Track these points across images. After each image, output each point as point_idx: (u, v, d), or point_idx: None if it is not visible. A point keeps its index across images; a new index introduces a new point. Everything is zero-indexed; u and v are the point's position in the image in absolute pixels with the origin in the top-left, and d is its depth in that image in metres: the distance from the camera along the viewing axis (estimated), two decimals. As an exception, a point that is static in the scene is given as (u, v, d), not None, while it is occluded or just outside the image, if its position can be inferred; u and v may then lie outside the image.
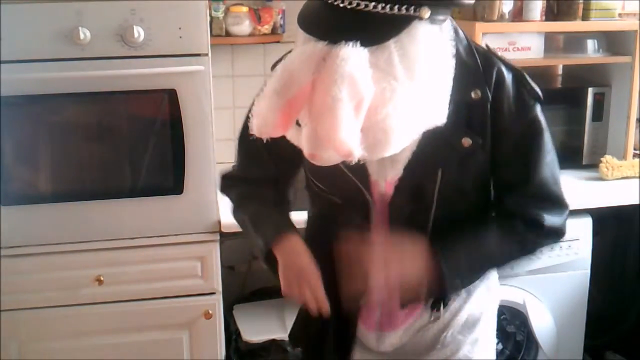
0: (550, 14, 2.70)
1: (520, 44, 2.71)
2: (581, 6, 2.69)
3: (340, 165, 1.36)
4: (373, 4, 1.13)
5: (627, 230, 2.83)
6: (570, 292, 2.61)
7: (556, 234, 1.42)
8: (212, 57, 2.22)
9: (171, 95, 2.18)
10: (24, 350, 2.30)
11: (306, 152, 1.15)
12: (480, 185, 1.40)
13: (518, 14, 2.67)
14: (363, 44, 1.11)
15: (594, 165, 2.76)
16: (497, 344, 2.69)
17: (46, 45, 2.11)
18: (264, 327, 2.56)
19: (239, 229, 2.40)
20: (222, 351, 2.41)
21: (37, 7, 2.09)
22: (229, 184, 1.61)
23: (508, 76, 1.33)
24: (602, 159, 2.72)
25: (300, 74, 1.15)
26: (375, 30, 1.13)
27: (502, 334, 2.69)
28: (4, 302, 2.24)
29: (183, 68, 2.15)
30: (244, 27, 2.64)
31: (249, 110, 1.27)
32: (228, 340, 2.51)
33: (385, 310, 1.49)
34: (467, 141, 1.31)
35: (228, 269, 2.72)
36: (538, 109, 1.35)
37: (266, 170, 1.53)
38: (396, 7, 1.13)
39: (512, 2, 2.63)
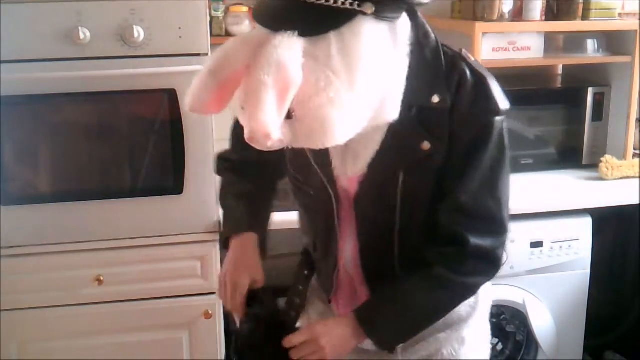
0: (550, 13, 2.70)
1: (520, 43, 2.70)
2: (581, 6, 2.69)
3: (310, 158, 1.42)
4: None
5: (627, 230, 2.83)
6: (570, 292, 2.61)
7: (484, 257, 1.36)
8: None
9: (171, 95, 2.18)
10: (23, 350, 2.30)
11: (245, 135, 1.16)
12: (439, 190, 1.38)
13: (518, 14, 2.67)
14: (301, 34, 1.13)
15: (594, 165, 2.76)
16: (497, 344, 2.69)
17: (46, 45, 2.11)
18: (264, 327, 2.55)
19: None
20: (221, 351, 2.41)
21: (37, 7, 2.09)
22: (221, 166, 1.68)
23: (471, 83, 1.32)
24: (602, 158, 2.72)
25: (236, 57, 1.18)
26: (316, 21, 1.16)
27: (502, 333, 2.69)
28: (4, 302, 2.24)
29: (183, 68, 2.15)
30: (244, 27, 2.64)
31: None
32: (228, 340, 2.51)
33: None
34: (426, 145, 1.32)
35: (228, 269, 2.72)
36: (494, 120, 1.32)
37: (254, 153, 1.54)
38: (339, 0, 1.15)
39: (512, 2, 2.63)
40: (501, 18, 2.63)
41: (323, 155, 1.40)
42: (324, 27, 1.16)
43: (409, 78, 1.28)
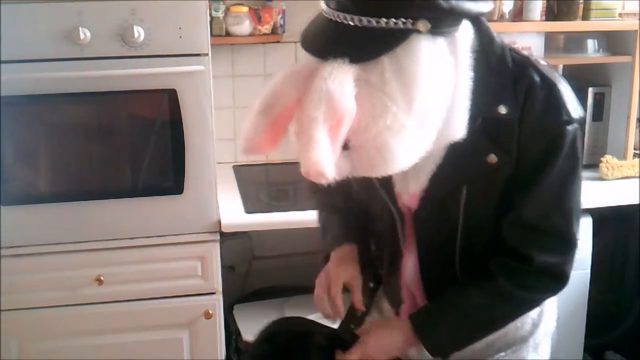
0: (551, 13, 2.70)
1: (521, 43, 2.70)
2: (581, 6, 2.69)
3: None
4: (366, 18, 1.09)
5: (627, 230, 2.83)
6: (570, 292, 2.56)
7: (549, 274, 1.30)
8: (212, 57, 2.22)
9: (171, 95, 2.18)
10: (23, 349, 2.30)
11: (301, 170, 1.12)
12: (507, 204, 1.30)
13: (518, 14, 2.67)
14: (352, 61, 1.08)
15: (594, 165, 2.75)
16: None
17: (46, 45, 2.11)
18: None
19: (239, 229, 2.42)
20: (222, 351, 2.41)
21: (37, 7, 2.09)
22: (310, 190, 1.63)
23: (541, 91, 1.24)
24: (602, 158, 2.72)
25: (284, 92, 1.13)
26: (367, 45, 1.10)
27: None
28: (4, 301, 2.24)
29: (183, 68, 2.15)
30: (244, 27, 2.64)
31: None
32: (228, 340, 2.51)
33: None
34: (493, 158, 1.24)
35: (228, 269, 2.72)
36: (566, 130, 1.24)
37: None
38: (391, 21, 1.09)
39: (512, 2, 2.63)
40: (501, 18, 2.63)
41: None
42: (376, 51, 1.09)
43: (473, 88, 1.20)
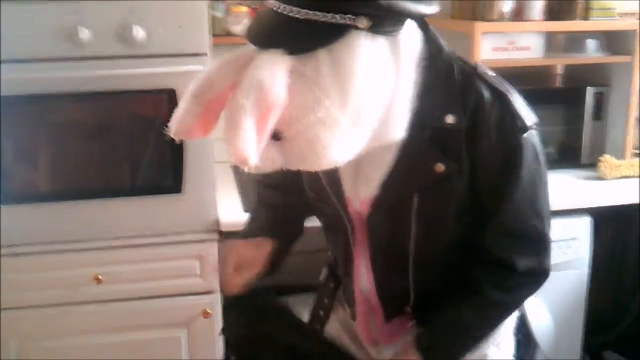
0: (551, 13, 2.70)
1: (520, 43, 2.71)
2: (581, 6, 2.69)
3: (321, 180, 1.38)
4: (306, 10, 1.09)
5: (627, 230, 2.83)
6: (569, 292, 2.61)
7: (534, 275, 1.35)
8: (213, 57, 2.22)
9: (171, 95, 2.18)
10: (23, 348, 2.30)
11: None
12: (462, 213, 1.32)
13: (518, 14, 2.66)
14: (288, 51, 1.09)
15: (593, 165, 2.76)
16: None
17: (46, 44, 2.11)
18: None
19: (238, 228, 2.41)
20: (220, 350, 2.42)
21: (37, 6, 2.08)
22: (259, 186, 1.67)
23: (490, 102, 1.25)
24: (601, 158, 2.72)
25: (219, 78, 1.14)
26: (305, 37, 1.10)
27: (501, 333, 2.69)
28: (4, 300, 2.24)
29: (183, 68, 2.15)
30: (245, 26, 2.63)
31: None
32: (226, 339, 2.51)
33: (377, 324, 1.49)
34: (439, 167, 1.25)
35: (227, 268, 2.72)
36: (523, 138, 1.26)
37: (281, 176, 1.55)
38: (330, 15, 1.09)
39: (512, 1, 2.63)
40: (501, 17, 2.63)
41: (333, 177, 1.36)
42: (312, 43, 1.10)
43: (420, 96, 1.22)
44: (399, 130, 1.21)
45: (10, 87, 2.09)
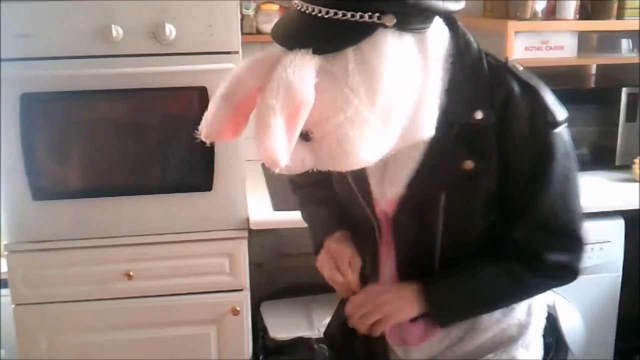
0: (584, 12, 2.67)
1: (553, 42, 2.68)
2: (616, 5, 2.65)
3: (349, 181, 1.37)
4: (334, 10, 1.09)
5: (660, 233, 2.79)
6: (601, 295, 2.58)
7: (562, 272, 1.32)
8: (243, 55, 2.22)
9: (202, 93, 2.19)
10: (53, 343, 2.33)
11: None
12: (489, 210, 1.30)
13: (551, 13, 2.64)
14: (316, 51, 1.08)
15: (626, 167, 2.72)
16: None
17: (79, 42, 2.13)
18: (291, 324, 2.56)
19: (267, 227, 2.43)
20: (249, 348, 2.42)
21: (71, 5, 2.11)
22: (293, 186, 1.66)
23: (520, 97, 1.24)
24: (635, 160, 2.68)
25: (247, 79, 1.13)
26: (332, 37, 1.09)
27: (531, 335, 2.67)
28: (35, 295, 2.28)
29: (214, 66, 2.16)
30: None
31: None
32: (255, 337, 2.52)
33: (404, 324, 1.46)
34: (468, 164, 1.23)
35: (256, 266, 2.73)
36: (555, 133, 1.24)
37: (312, 175, 1.55)
38: (357, 14, 1.08)
39: (546, 0, 2.60)
40: (534, 17, 2.61)
41: (361, 177, 1.35)
42: (340, 43, 1.09)
43: (448, 93, 1.20)
44: (428, 128, 1.20)
45: (43, 83, 2.12)
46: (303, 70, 1.06)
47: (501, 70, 1.26)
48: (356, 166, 1.15)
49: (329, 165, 1.16)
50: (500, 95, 1.23)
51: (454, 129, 1.23)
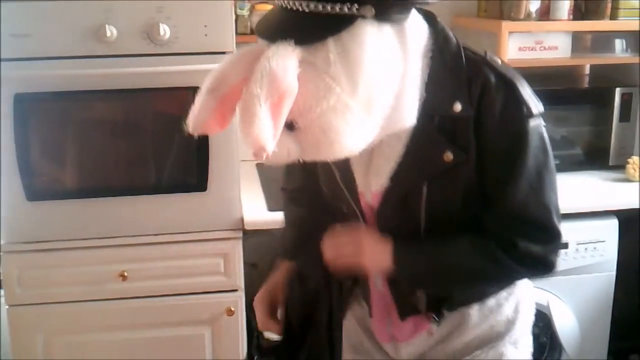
0: (578, 13, 2.67)
1: (547, 43, 2.68)
2: (609, 5, 2.66)
3: (335, 175, 1.40)
4: (313, 3, 1.13)
5: (654, 233, 2.80)
6: (595, 294, 2.58)
7: (537, 262, 1.32)
8: (237, 55, 2.22)
9: (196, 93, 2.18)
10: (48, 343, 2.33)
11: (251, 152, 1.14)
12: (469, 200, 1.32)
13: (545, 13, 2.65)
14: (298, 43, 1.11)
15: (620, 166, 2.73)
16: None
17: (73, 42, 2.13)
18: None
19: (261, 227, 2.43)
20: (243, 348, 2.42)
21: (65, 5, 2.11)
22: (283, 197, 1.68)
23: (495, 88, 1.26)
24: (629, 160, 2.69)
25: (232, 72, 1.16)
26: (313, 28, 1.13)
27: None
28: (29, 296, 2.27)
29: (208, 66, 2.10)
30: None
31: None
32: (250, 337, 2.51)
33: (393, 321, 1.48)
34: (448, 156, 1.26)
35: (251, 266, 2.73)
36: (529, 124, 1.26)
37: (300, 178, 1.58)
38: (337, 6, 1.12)
39: (540, 1, 2.61)
40: (528, 17, 2.61)
41: (346, 171, 1.38)
42: (321, 34, 1.13)
43: (428, 86, 1.24)
44: (409, 117, 1.23)
45: (37, 83, 2.11)
46: (285, 60, 1.09)
47: (479, 63, 1.29)
48: (340, 155, 1.17)
49: (314, 154, 1.19)
50: (477, 87, 1.26)
51: (434, 121, 1.26)
